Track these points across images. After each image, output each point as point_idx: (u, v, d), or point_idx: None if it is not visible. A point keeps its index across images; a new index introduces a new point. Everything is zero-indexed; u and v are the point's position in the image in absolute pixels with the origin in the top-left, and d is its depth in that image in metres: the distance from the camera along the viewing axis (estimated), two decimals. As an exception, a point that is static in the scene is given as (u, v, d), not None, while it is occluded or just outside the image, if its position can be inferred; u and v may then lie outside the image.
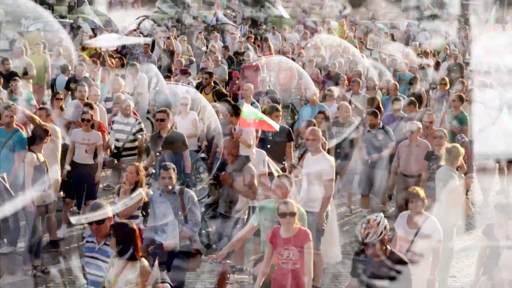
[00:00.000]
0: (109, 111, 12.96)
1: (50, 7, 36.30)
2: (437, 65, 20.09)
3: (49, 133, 9.59)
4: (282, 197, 7.54)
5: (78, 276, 8.93)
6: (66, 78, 15.55)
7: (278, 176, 8.08)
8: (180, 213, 7.99)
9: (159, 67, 18.40)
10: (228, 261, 7.66)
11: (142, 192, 8.21)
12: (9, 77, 13.95)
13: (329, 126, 11.72)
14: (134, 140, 11.71)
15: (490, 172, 12.65)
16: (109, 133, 11.83)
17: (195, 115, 12.36)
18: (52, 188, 9.70)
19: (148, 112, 14.87)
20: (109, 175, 12.89)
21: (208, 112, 12.45)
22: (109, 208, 6.92)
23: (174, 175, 8.09)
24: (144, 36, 23.39)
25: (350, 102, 13.57)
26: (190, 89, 13.62)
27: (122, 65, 16.85)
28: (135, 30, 24.58)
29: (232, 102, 12.29)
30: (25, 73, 15.85)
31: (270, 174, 9.37)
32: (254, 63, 17.68)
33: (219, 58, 18.59)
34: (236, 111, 10.23)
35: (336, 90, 14.17)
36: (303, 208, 7.92)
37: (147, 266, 6.35)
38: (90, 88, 12.94)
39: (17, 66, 15.53)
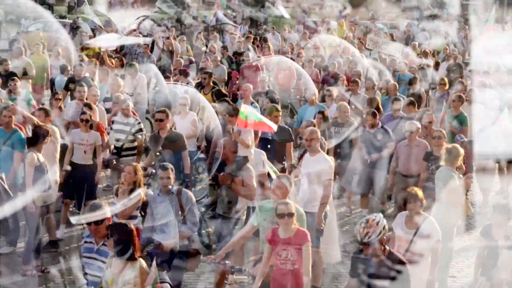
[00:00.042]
0: (108, 111, 12.95)
1: (50, 7, 36.30)
2: (436, 65, 20.08)
3: (49, 134, 9.59)
4: (281, 198, 7.52)
5: (78, 276, 8.89)
6: (65, 78, 15.55)
7: (278, 176, 8.07)
8: (178, 213, 8.00)
9: (159, 67, 18.37)
10: (227, 262, 7.65)
11: (141, 193, 8.22)
12: (8, 77, 13.94)
13: (328, 126, 11.72)
14: (134, 140, 11.71)
15: (489, 172, 12.65)
16: (108, 133, 11.82)
17: (195, 115, 12.35)
18: (52, 188, 9.70)
19: (148, 112, 14.87)
20: (109, 175, 12.89)
21: (208, 112, 12.44)
22: (108, 209, 6.92)
23: (172, 175, 8.09)
24: (144, 36, 23.37)
25: (349, 102, 13.58)
26: (190, 89, 13.61)
27: (122, 65, 16.83)
28: (134, 30, 24.55)
29: (231, 103, 12.29)
30: (25, 73, 15.83)
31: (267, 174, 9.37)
32: (254, 63, 17.66)
33: (218, 58, 18.58)
34: (234, 112, 10.22)
35: (335, 90, 14.17)
36: (303, 209, 7.92)
37: (145, 266, 6.34)
38: (89, 89, 12.93)
39: (16, 66, 15.52)
